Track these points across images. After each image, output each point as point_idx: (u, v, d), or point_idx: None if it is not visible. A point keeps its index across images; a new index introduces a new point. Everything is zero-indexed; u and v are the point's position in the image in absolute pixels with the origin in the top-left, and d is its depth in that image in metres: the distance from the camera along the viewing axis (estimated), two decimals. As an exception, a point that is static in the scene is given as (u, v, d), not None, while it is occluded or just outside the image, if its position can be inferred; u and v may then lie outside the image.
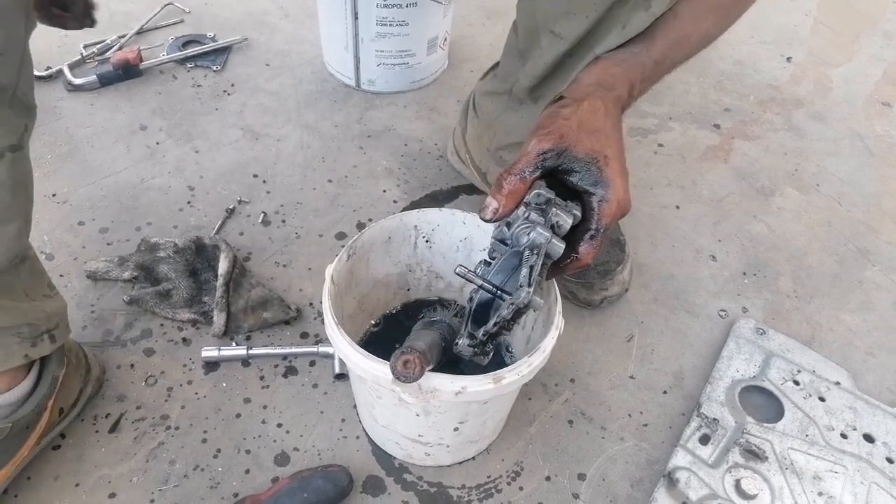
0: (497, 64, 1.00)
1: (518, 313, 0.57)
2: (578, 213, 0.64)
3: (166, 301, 0.89)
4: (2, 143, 0.57)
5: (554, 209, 0.62)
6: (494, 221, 0.62)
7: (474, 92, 1.05)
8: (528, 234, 0.61)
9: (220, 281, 0.89)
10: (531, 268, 0.58)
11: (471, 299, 0.66)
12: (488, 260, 0.66)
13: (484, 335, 0.60)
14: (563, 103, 0.66)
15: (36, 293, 0.69)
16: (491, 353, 0.63)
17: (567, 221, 0.63)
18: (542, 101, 0.88)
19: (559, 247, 0.61)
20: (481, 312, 0.65)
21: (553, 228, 0.61)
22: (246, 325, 0.89)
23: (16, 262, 0.65)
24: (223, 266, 0.90)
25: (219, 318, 0.87)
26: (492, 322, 0.59)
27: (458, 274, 0.62)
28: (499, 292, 0.62)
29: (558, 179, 0.64)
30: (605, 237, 0.65)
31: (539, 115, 0.68)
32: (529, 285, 0.56)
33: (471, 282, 0.62)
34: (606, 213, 0.64)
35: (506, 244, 0.64)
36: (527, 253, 0.60)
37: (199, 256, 0.94)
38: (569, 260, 0.64)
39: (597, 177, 0.63)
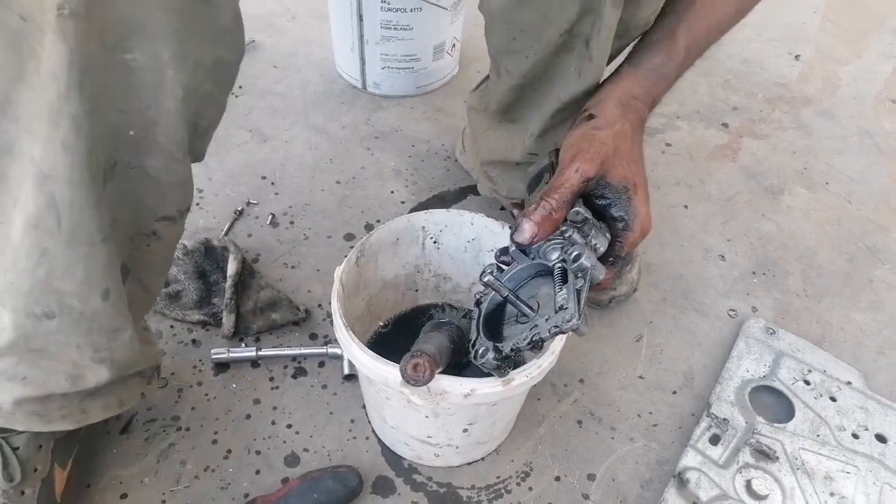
0: (488, 76, 1.00)
1: (556, 335, 0.56)
2: (609, 237, 0.64)
3: (176, 303, 0.90)
4: (185, 204, 0.60)
5: (593, 230, 0.62)
6: (528, 245, 0.61)
7: (467, 103, 1.06)
8: (570, 249, 0.59)
9: (229, 282, 0.89)
10: (578, 292, 0.56)
11: (478, 302, 0.66)
12: (500, 265, 0.65)
13: (512, 351, 0.58)
14: (597, 125, 0.65)
15: (145, 331, 0.70)
16: (511, 369, 0.61)
17: (604, 245, 0.62)
18: (519, 124, 0.89)
19: (601, 274, 0.59)
20: (492, 317, 0.65)
21: (591, 250, 0.61)
22: (255, 326, 0.89)
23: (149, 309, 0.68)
24: (232, 267, 0.91)
25: (227, 320, 0.87)
26: (525, 340, 0.57)
27: (485, 283, 0.61)
28: (520, 304, 0.60)
29: (585, 199, 0.64)
30: (624, 263, 0.66)
31: (569, 133, 0.67)
32: (578, 311, 0.55)
33: (497, 291, 0.61)
34: (630, 242, 0.64)
35: (526, 254, 0.63)
36: (568, 277, 0.57)
37: (207, 258, 0.94)
38: None
39: (626, 205, 0.64)
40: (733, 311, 0.98)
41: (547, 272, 0.61)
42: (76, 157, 0.46)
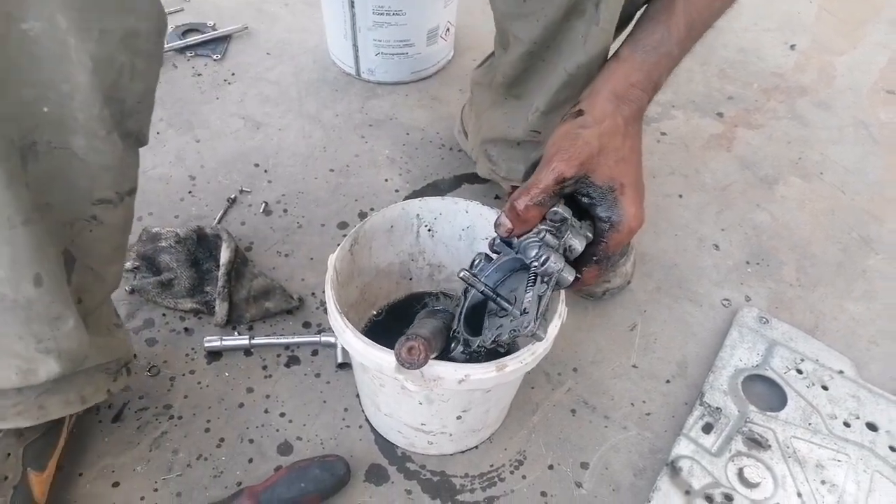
0: (492, 53, 0.99)
1: (514, 338, 0.58)
2: (590, 235, 0.64)
3: (168, 291, 0.89)
4: (124, 186, 0.58)
5: (569, 232, 0.61)
6: (508, 239, 0.62)
7: (471, 80, 1.04)
8: (539, 251, 0.59)
9: (222, 270, 0.89)
10: (540, 297, 0.57)
11: (465, 291, 0.66)
12: (489, 255, 0.65)
13: (479, 347, 0.60)
14: (583, 122, 0.63)
15: (110, 324, 0.70)
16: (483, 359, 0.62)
17: (580, 246, 0.62)
18: (524, 100, 0.87)
19: (569, 278, 0.60)
20: (475, 311, 0.65)
21: (565, 251, 0.61)
22: (248, 314, 0.88)
23: (108, 298, 0.66)
24: (225, 256, 0.90)
25: (221, 308, 0.87)
26: (490, 339, 0.59)
27: (461, 278, 0.62)
28: (499, 299, 0.61)
29: (571, 196, 0.64)
30: (610, 262, 0.65)
31: (556, 129, 0.65)
32: (536, 317, 0.56)
33: (473, 287, 0.62)
34: (615, 242, 0.63)
35: (511, 246, 0.63)
36: (537, 279, 0.58)
37: (200, 246, 0.93)
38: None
39: (611, 205, 0.62)
40: (727, 300, 0.98)
41: (526, 267, 0.62)
42: None
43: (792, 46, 1.48)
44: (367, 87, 1.27)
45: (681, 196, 1.13)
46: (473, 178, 1.11)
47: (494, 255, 0.65)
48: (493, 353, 0.62)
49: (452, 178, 1.11)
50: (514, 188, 0.97)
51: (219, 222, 1.00)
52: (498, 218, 0.62)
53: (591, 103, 0.66)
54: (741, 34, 1.50)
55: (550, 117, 0.83)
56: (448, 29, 1.27)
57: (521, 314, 0.58)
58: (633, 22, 0.72)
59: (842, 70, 1.44)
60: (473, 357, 0.62)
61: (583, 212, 0.64)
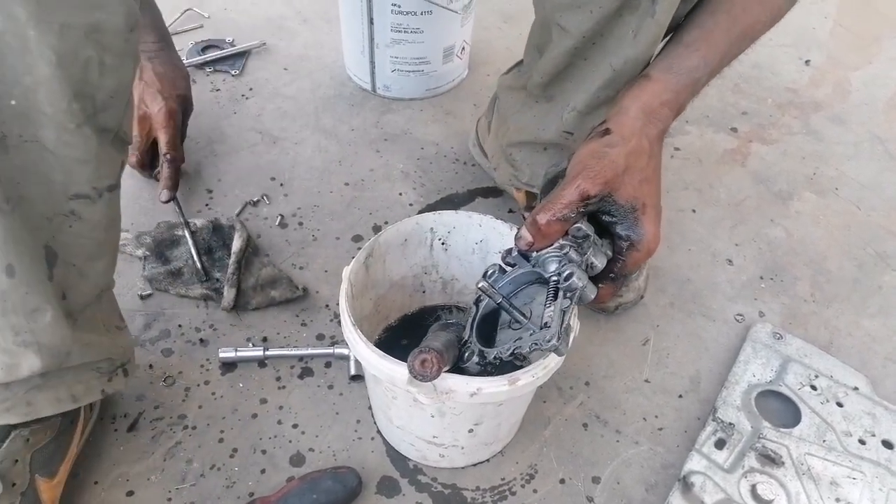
0: (521, 62, 0.99)
1: (535, 351, 0.58)
2: (610, 253, 0.64)
3: (178, 279, 0.94)
4: (103, 183, 0.58)
5: (591, 249, 0.62)
6: (527, 252, 0.62)
7: (497, 85, 1.05)
8: (563, 266, 0.60)
9: (233, 258, 0.94)
10: (563, 312, 0.57)
11: (477, 301, 0.67)
12: (503, 266, 0.66)
13: (495, 359, 0.60)
14: (610, 141, 0.63)
15: (111, 325, 0.70)
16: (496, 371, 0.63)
17: (601, 264, 0.63)
18: (556, 102, 0.86)
19: (591, 295, 0.61)
20: (485, 321, 0.66)
21: (587, 268, 0.61)
22: (254, 301, 0.92)
23: (100, 296, 0.66)
24: (237, 244, 0.95)
25: (228, 293, 0.91)
26: (508, 351, 0.59)
27: (480, 289, 0.62)
28: (514, 311, 0.62)
29: (592, 213, 0.64)
30: (626, 280, 0.66)
31: (582, 146, 0.65)
32: (560, 332, 0.56)
33: (491, 298, 0.63)
34: (633, 260, 0.64)
35: (527, 259, 0.63)
36: (558, 294, 0.59)
37: (214, 235, 0.99)
38: None
39: (632, 225, 0.63)
40: (740, 315, 0.97)
41: (545, 281, 0.62)
42: None
43: (807, 62, 1.48)
44: (383, 102, 1.28)
45: (694, 211, 1.13)
46: (487, 193, 1.12)
47: (508, 268, 0.65)
48: (506, 365, 0.62)
49: (466, 193, 1.12)
50: (530, 196, 0.97)
51: (237, 215, 1.05)
52: (518, 231, 0.62)
53: (618, 122, 0.66)
54: (755, 49, 1.49)
55: (587, 119, 0.83)
56: (464, 48, 1.28)
57: (540, 328, 0.58)
58: (666, 43, 0.72)
59: (857, 85, 1.43)
60: (487, 369, 0.62)
61: (602, 229, 0.65)
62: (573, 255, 0.60)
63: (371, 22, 1.18)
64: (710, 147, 1.25)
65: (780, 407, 0.86)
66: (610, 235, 0.65)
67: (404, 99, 1.29)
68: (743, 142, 1.27)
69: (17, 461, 0.65)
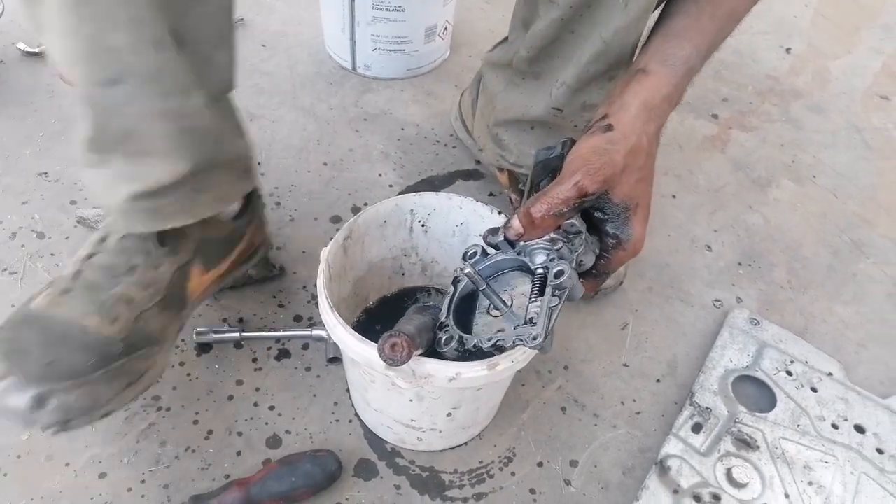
0: (506, 38, 0.98)
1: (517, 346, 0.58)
2: (597, 251, 0.64)
3: None
4: None
5: (582, 246, 0.61)
6: (515, 240, 0.61)
7: (483, 63, 1.03)
8: (554, 263, 0.59)
9: None
10: (550, 311, 0.56)
11: (455, 281, 0.66)
12: (486, 249, 0.64)
13: (474, 347, 0.60)
14: (612, 138, 0.62)
15: (236, 125, 0.72)
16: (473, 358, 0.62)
17: (590, 263, 0.62)
18: (543, 78, 0.85)
19: (579, 293, 0.60)
20: (463, 302, 0.65)
21: (578, 265, 0.61)
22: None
23: (225, 93, 0.68)
24: None
25: None
26: (489, 342, 0.58)
27: (466, 275, 0.62)
28: (497, 299, 0.61)
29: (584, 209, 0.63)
30: (607, 277, 0.65)
31: (583, 140, 0.63)
32: (545, 331, 0.55)
33: (475, 284, 0.62)
34: (618, 260, 0.64)
35: (512, 246, 0.62)
36: (545, 290, 0.58)
37: None
38: None
39: (623, 224, 0.62)
40: (718, 301, 0.98)
41: (526, 269, 0.61)
42: None
43: (787, 50, 1.49)
44: (363, 81, 1.26)
45: (674, 196, 1.13)
46: (468, 175, 1.11)
47: (491, 250, 0.64)
48: (483, 353, 0.61)
49: (447, 174, 1.11)
50: (513, 177, 0.96)
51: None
52: (509, 220, 0.60)
53: (620, 119, 0.64)
54: (736, 36, 1.49)
55: (577, 94, 0.82)
56: (446, 28, 1.26)
57: (524, 322, 0.57)
58: (652, 34, 0.71)
59: (836, 74, 1.44)
60: (465, 356, 0.62)
61: (590, 225, 0.64)
62: (565, 251, 0.60)
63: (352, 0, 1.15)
64: (690, 133, 1.26)
65: (756, 392, 0.87)
66: (598, 232, 0.64)
67: (385, 78, 1.27)
68: (723, 128, 1.28)
69: (160, 266, 0.70)
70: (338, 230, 0.73)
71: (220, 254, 0.78)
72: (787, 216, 1.12)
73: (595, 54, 0.75)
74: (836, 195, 1.17)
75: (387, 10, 1.16)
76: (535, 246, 0.61)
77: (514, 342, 0.57)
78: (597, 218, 0.63)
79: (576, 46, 0.78)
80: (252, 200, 0.82)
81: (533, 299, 0.58)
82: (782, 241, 1.08)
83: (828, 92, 1.39)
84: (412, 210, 0.79)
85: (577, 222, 0.61)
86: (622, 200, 0.61)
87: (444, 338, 0.61)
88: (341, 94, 1.23)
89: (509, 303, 0.61)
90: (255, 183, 0.79)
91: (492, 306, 0.62)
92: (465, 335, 0.61)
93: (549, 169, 0.66)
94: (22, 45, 1.19)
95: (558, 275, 0.57)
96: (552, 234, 0.61)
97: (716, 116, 1.30)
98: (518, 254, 0.62)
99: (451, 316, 0.64)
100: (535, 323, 0.56)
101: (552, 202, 0.59)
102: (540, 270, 0.59)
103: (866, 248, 1.09)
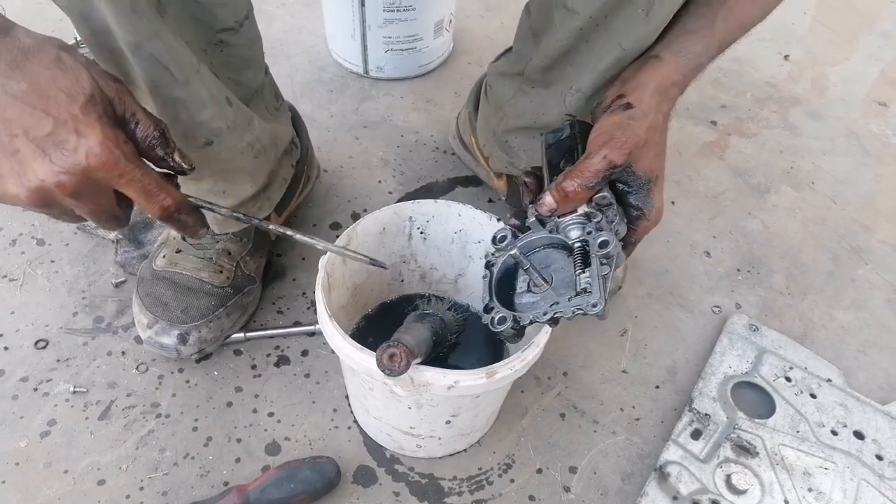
0: (510, 49, 0.98)
1: (577, 315, 0.58)
2: (625, 222, 0.66)
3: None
4: (240, 16, 0.73)
5: (617, 217, 0.63)
6: (548, 218, 0.64)
7: (487, 73, 1.03)
8: (587, 234, 0.61)
9: None
10: (604, 278, 0.58)
11: (489, 265, 0.66)
12: (514, 231, 0.66)
13: (530, 323, 0.60)
14: (633, 115, 0.66)
15: (271, 107, 0.88)
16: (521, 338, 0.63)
17: (623, 231, 0.64)
18: (554, 86, 0.85)
19: (623, 259, 0.62)
20: (505, 281, 0.65)
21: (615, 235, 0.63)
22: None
23: (258, 90, 0.85)
24: None
25: None
26: (546, 316, 0.59)
27: (512, 256, 0.64)
28: (538, 276, 0.62)
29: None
30: (633, 249, 0.69)
31: (603, 118, 0.67)
32: (605, 297, 0.57)
33: (519, 263, 0.63)
34: (643, 229, 0.67)
35: (543, 224, 0.64)
36: (590, 260, 0.59)
37: None
38: None
39: (645, 196, 0.66)
40: (717, 307, 0.98)
41: (560, 246, 0.63)
42: (123, 3, 0.57)
43: (786, 57, 1.49)
44: (363, 89, 1.27)
45: (673, 203, 1.13)
46: (467, 182, 1.11)
47: (518, 233, 0.65)
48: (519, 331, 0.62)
49: (446, 181, 1.11)
50: (511, 184, 0.97)
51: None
52: (541, 196, 0.63)
53: (638, 97, 0.68)
54: (736, 43, 1.50)
55: (591, 101, 0.83)
56: (451, 20, 1.28)
57: (576, 294, 0.58)
58: (667, 29, 0.73)
59: (835, 81, 1.45)
60: (520, 332, 0.62)
61: (615, 196, 0.66)
62: (604, 223, 0.62)
63: (363, 4, 1.16)
64: (689, 139, 1.26)
65: (755, 398, 0.87)
66: (622, 205, 0.67)
67: (398, 78, 1.28)
68: (722, 135, 1.28)
69: (230, 252, 0.87)
70: (337, 237, 0.73)
71: (288, 199, 0.94)
72: (786, 222, 1.13)
73: (614, 62, 0.77)
74: (835, 201, 1.17)
75: (398, 10, 1.17)
76: (570, 222, 0.62)
77: (573, 312, 0.58)
78: (620, 190, 0.66)
79: (591, 55, 0.79)
80: (302, 143, 0.98)
81: (580, 271, 0.59)
82: (781, 247, 1.08)
83: (826, 99, 1.40)
84: (411, 217, 0.79)
85: (607, 194, 0.63)
86: (645, 173, 0.65)
87: (495, 318, 0.61)
88: (341, 101, 1.24)
89: (550, 280, 0.62)
90: (301, 129, 1.00)
91: (531, 283, 0.63)
92: (518, 314, 0.61)
93: (564, 150, 0.69)
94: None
95: (603, 244, 0.59)
96: (586, 209, 0.63)
97: (715, 123, 1.30)
98: (550, 232, 0.63)
99: (494, 298, 0.64)
100: (590, 292, 0.57)
101: (585, 175, 0.62)
102: (578, 244, 0.61)
103: (865, 254, 1.09)
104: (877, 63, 1.52)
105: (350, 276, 0.78)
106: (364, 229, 0.76)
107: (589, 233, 0.61)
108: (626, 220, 0.66)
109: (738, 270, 1.04)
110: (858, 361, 0.94)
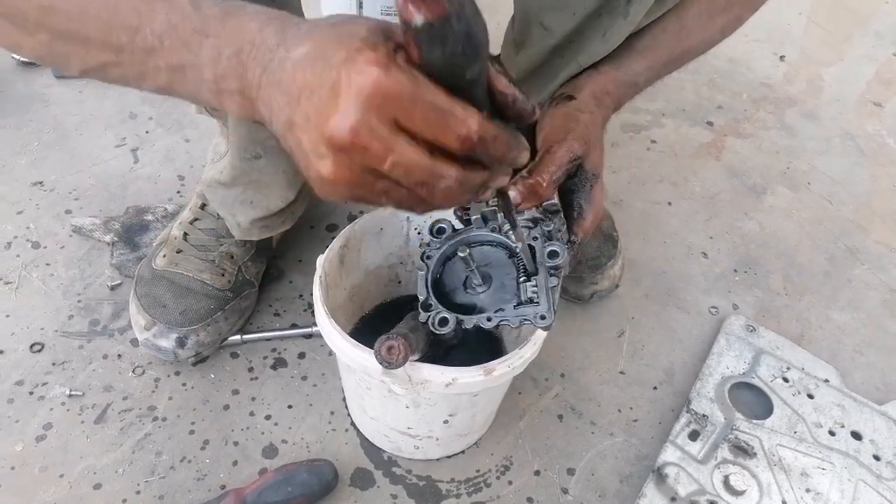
0: (498, 55, 0.99)
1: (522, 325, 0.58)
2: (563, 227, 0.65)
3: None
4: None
5: (563, 225, 0.62)
6: (492, 216, 0.62)
7: None
8: (535, 240, 0.59)
9: None
10: (552, 290, 0.57)
11: (424, 256, 0.63)
12: (455, 225, 0.64)
13: (473, 328, 0.59)
14: (579, 107, 0.66)
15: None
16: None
17: (565, 237, 0.63)
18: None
19: (569, 269, 0.62)
20: (440, 276, 0.63)
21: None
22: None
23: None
24: None
25: None
26: (492, 323, 0.58)
27: (462, 259, 0.59)
28: (477, 277, 0.60)
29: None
30: (578, 246, 0.67)
31: (550, 111, 0.67)
32: (553, 310, 0.56)
33: (467, 264, 0.59)
34: (584, 230, 0.65)
35: (486, 222, 0.62)
36: (542, 271, 0.58)
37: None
38: None
39: (587, 194, 0.65)
40: (714, 308, 0.98)
41: (499, 245, 0.61)
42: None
43: (781, 57, 1.50)
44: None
45: (670, 204, 1.13)
46: (463, 183, 1.11)
47: (459, 226, 0.63)
48: (476, 331, 0.60)
49: (442, 183, 1.11)
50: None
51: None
52: (504, 190, 0.60)
53: (577, 93, 0.70)
54: (731, 45, 1.50)
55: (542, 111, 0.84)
56: None
57: (520, 303, 0.57)
58: (620, 48, 0.75)
59: (830, 81, 1.45)
60: (459, 336, 0.61)
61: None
62: (554, 231, 0.60)
63: (360, 6, 1.16)
64: (685, 140, 1.26)
65: (752, 399, 0.87)
66: (562, 206, 0.66)
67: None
68: (718, 136, 1.28)
69: (233, 256, 0.87)
70: (334, 238, 0.73)
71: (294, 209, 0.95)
72: (783, 223, 1.13)
73: (568, 75, 0.79)
74: (831, 202, 1.18)
75: (395, 14, 1.16)
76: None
77: (520, 322, 0.57)
78: (564, 190, 0.65)
79: (559, 69, 0.81)
80: None
81: (525, 278, 0.58)
82: (778, 247, 1.09)
83: (821, 99, 1.40)
84: (408, 218, 0.79)
85: (556, 201, 0.62)
86: (591, 168, 0.65)
87: (436, 318, 0.58)
88: (337, 102, 1.23)
89: (489, 279, 0.60)
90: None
91: (469, 283, 0.61)
92: (461, 316, 0.59)
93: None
94: (17, 55, 1.20)
95: (552, 255, 0.58)
96: (534, 213, 0.61)
97: (711, 124, 1.30)
98: (492, 231, 0.61)
99: (431, 295, 0.61)
100: (537, 303, 0.56)
101: (552, 168, 0.61)
102: (519, 247, 0.59)
103: (861, 255, 1.09)
104: (871, 63, 1.53)
105: (347, 276, 0.78)
106: (362, 230, 0.76)
107: (535, 238, 0.59)
108: (565, 226, 0.65)
109: (735, 271, 1.04)
110: (855, 362, 0.94)
